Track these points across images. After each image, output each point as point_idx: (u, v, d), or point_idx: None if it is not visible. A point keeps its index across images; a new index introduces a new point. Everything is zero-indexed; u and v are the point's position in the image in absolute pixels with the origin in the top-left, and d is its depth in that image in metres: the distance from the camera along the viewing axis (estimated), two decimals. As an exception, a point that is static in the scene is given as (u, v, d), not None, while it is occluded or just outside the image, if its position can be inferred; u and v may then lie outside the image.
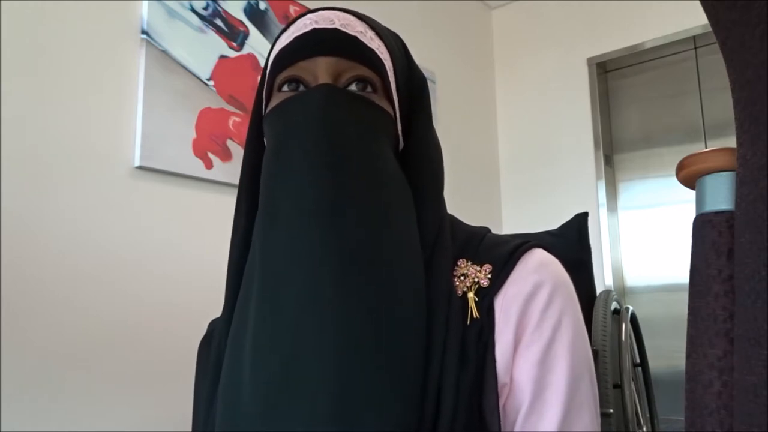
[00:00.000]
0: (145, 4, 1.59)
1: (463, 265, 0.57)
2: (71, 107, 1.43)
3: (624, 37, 2.75)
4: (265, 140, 0.62)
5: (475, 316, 0.54)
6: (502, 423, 0.52)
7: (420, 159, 0.60)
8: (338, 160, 0.53)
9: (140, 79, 1.56)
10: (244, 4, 1.85)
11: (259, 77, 0.61)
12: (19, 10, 1.35)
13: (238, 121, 1.77)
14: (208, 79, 1.71)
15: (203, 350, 0.68)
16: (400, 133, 0.61)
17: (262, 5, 1.91)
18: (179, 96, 1.63)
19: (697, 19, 2.49)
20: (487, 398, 0.52)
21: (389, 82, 0.59)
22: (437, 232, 0.57)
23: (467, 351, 0.52)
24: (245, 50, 1.83)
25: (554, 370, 0.53)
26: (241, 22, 1.84)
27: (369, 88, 0.57)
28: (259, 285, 0.53)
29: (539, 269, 0.56)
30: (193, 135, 1.65)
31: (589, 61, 2.85)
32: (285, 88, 0.59)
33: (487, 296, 0.55)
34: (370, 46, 0.57)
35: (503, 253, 0.57)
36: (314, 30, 0.57)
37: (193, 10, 1.70)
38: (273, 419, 0.48)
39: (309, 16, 0.59)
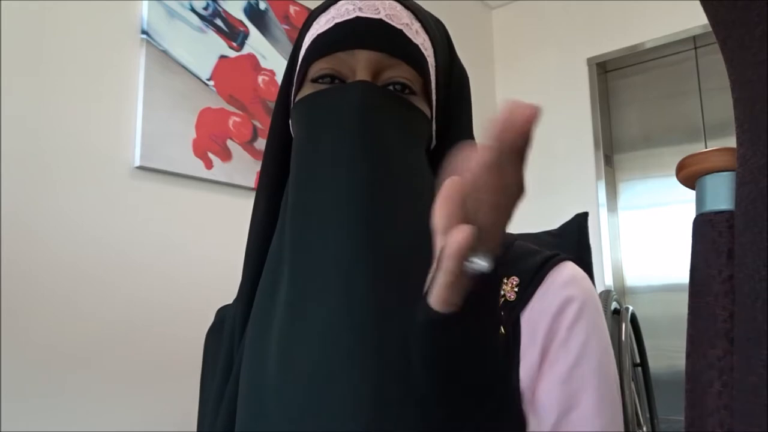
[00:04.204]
0: (145, 4, 1.59)
1: None
2: (71, 107, 1.43)
3: (624, 37, 2.75)
4: (292, 127, 0.59)
5: (500, 331, 0.51)
6: None
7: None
8: (375, 163, 0.50)
9: (140, 79, 1.56)
10: (244, 4, 1.85)
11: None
12: (20, 10, 1.35)
13: (238, 121, 1.77)
14: (208, 79, 1.71)
15: (212, 339, 0.65)
16: (434, 133, 0.58)
17: (262, 5, 1.91)
18: (179, 96, 1.63)
19: (697, 19, 2.49)
20: (507, 415, 0.49)
21: (430, 80, 0.55)
22: None
23: None
24: (245, 50, 1.83)
25: (582, 390, 0.50)
26: (241, 22, 1.84)
27: (408, 90, 0.54)
28: (288, 287, 0.50)
29: (568, 285, 0.53)
30: (193, 135, 1.65)
31: (589, 61, 2.85)
32: (320, 80, 0.55)
33: (513, 311, 0.52)
34: (414, 41, 0.54)
35: (531, 266, 0.54)
36: (357, 18, 0.52)
37: (193, 10, 1.70)
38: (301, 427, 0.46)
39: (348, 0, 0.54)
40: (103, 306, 1.43)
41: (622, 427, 0.53)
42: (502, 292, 0.53)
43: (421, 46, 0.54)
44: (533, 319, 0.52)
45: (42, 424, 1.29)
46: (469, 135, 0.60)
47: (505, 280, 0.54)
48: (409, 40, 0.53)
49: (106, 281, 1.44)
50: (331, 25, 0.53)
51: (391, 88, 0.54)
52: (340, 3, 0.54)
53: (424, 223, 0.49)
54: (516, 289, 0.53)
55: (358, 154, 0.50)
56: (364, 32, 0.52)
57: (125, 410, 1.43)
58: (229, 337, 0.59)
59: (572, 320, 0.52)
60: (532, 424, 0.50)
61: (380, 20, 0.52)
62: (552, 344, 0.51)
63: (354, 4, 0.53)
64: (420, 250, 0.46)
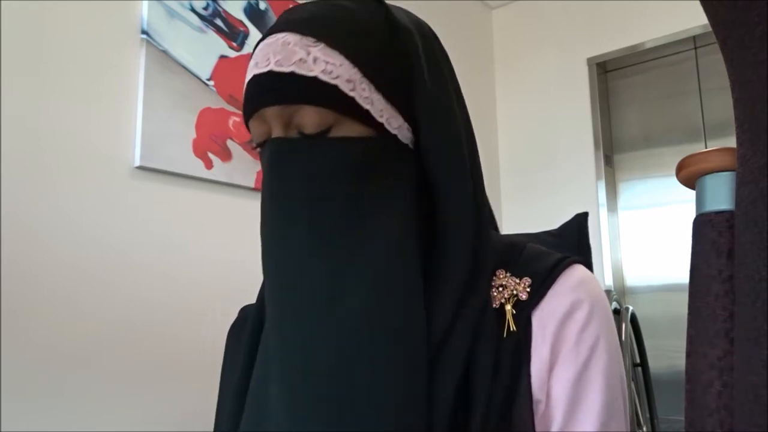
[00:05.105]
0: (145, 4, 1.59)
1: (501, 276, 0.56)
2: (71, 107, 1.43)
3: (624, 37, 2.75)
4: None
5: (512, 328, 0.53)
6: None
7: (436, 157, 0.54)
8: (295, 217, 0.52)
9: (140, 79, 1.56)
10: (244, 4, 1.85)
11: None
12: (20, 10, 1.35)
13: (238, 121, 1.77)
14: (208, 79, 1.71)
15: (233, 336, 0.67)
16: (408, 132, 0.55)
17: (262, 5, 1.91)
18: (179, 96, 1.63)
19: (697, 19, 2.49)
20: (517, 412, 0.51)
21: (350, 98, 0.51)
22: (474, 239, 0.54)
23: (501, 363, 0.52)
24: (245, 50, 1.83)
25: (589, 391, 0.52)
26: (241, 22, 1.84)
27: (324, 126, 0.51)
28: (267, 291, 0.55)
29: (578, 287, 0.55)
30: (193, 135, 1.65)
31: (589, 61, 2.85)
32: (251, 143, 0.56)
33: (525, 310, 0.54)
34: (310, 75, 0.50)
35: (544, 268, 0.55)
36: (254, 77, 0.52)
37: (193, 10, 1.70)
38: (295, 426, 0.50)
39: (256, 50, 0.54)
40: (103, 306, 1.43)
41: (628, 420, 0.55)
42: (515, 292, 0.55)
43: (320, 75, 0.50)
44: (544, 319, 0.53)
45: (42, 424, 1.29)
46: (445, 126, 0.56)
47: (518, 280, 0.55)
48: (302, 78, 0.50)
49: (106, 281, 1.44)
50: (245, 85, 0.54)
51: (308, 129, 0.51)
52: (254, 52, 0.54)
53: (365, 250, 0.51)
54: (528, 289, 0.54)
55: (279, 211, 0.52)
56: (261, 91, 0.52)
57: (125, 410, 1.43)
58: (249, 334, 0.61)
59: (582, 324, 0.53)
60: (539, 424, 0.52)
61: (269, 72, 0.51)
62: (563, 347, 0.53)
63: (255, 59, 0.53)
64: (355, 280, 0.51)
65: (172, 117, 1.60)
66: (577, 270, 0.56)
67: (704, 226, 0.44)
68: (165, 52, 1.61)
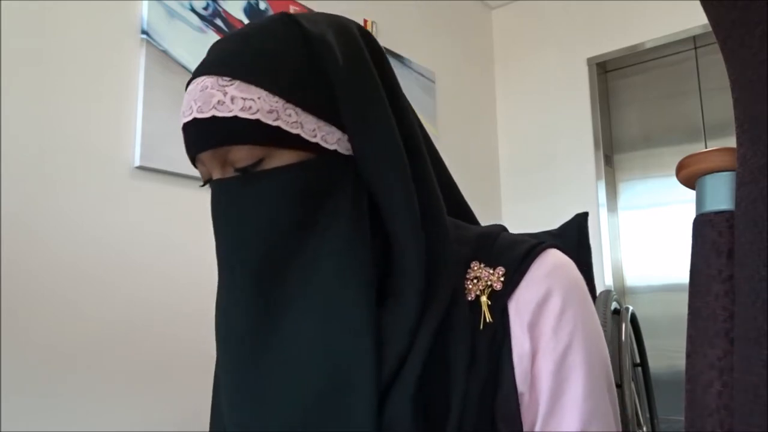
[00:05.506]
0: (145, 4, 1.59)
1: (476, 268, 0.56)
2: (71, 107, 1.43)
3: (624, 37, 2.75)
4: None
5: (488, 320, 0.53)
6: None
7: (370, 165, 0.53)
8: (232, 260, 0.56)
9: (140, 79, 1.56)
10: (244, 4, 1.85)
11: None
12: (20, 10, 1.35)
13: (238, 121, 1.77)
14: (208, 79, 1.71)
15: None
16: (348, 143, 0.54)
17: (262, 5, 1.91)
18: (179, 96, 1.62)
19: (697, 19, 2.49)
20: (500, 404, 0.51)
21: (280, 123, 0.51)
22: (410, 243, 0.52)
23: (477, 353, 0.51)
24: (245, 50, 1.83)
25: (570, 379, 0.52)
26: (241, 22, 1.84)
27: (256, 159, 0.52)
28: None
29: (551, 273, 0.54)
30: (193, 135, 1.65)
31: (589, 61, 2.85)
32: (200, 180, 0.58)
33: (500, 300, 0.53)
34: (229, 116, 0.50)
35: (516, 256, 0.55)
36: (184, 126, 0.53)
37: (193, 10, 1.70)
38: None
39: (184, 98, 0.54)
40: (102, 306, 1.43)
41: (610, 411, 0.54)
42: (489, 282, 0.54)
43: (241, 111, 0.50)
44: (520, 308, 0.53)
45: (42, 424, 1.29)
46: (374, 132, 0.54)
47: (492, 271, 0.55)
48: (222, 121, 0.50)
49: (106, 281, 1.44)
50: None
51: (242, 164, 0.52)
52: (183, 101, 0.55)
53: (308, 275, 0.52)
54: (502, 279, 0.54)
55: (222, 261, 0.57)
56: (191, 139, 0.53)
57: (125, 410, 1.43)
58: None
59: (559, 311, 0.53)
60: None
61: (194, 120, 0.52)
62: (541, 338, 0.53)
63: (182, 107, 0.54)
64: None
65: (172, 117, 1.60)
66: (550, 255, 0.56)
67: (704, 226, 0.44)
68: (165, 52, 1.61)
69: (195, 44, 1.69)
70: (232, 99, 0.50)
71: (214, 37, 1.74)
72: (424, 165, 0.56)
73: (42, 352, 1.32)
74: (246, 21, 1.85)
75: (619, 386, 0.86)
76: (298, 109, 0.52)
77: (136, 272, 1.50)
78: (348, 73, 0.53)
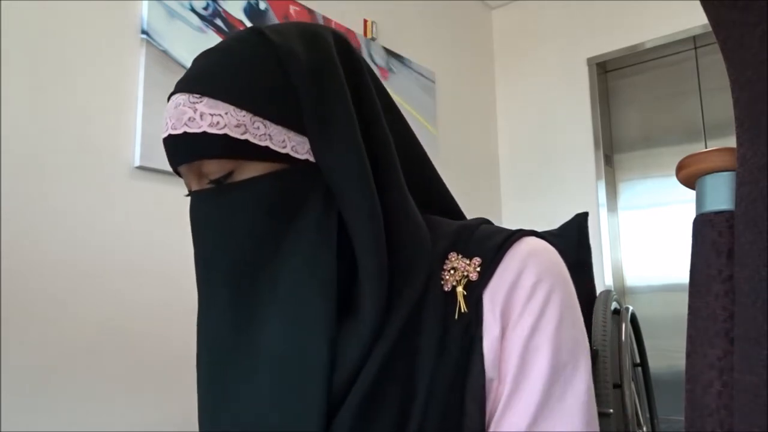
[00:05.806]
0: (145, 4, 1.59)
1: (453, 259, 0.56)
2: (71, 107, 1.43)
3: (624, 37, 2.75)
4: None
5: (463, 310, 0.53)
6: (487, 419, 0.51)
7: (334, 174, 0.54)
8: (208, 271, 0.56)
9: (140, 79, 1.56)
10: (244, 4, 1.85)
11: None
12: (20, 10, 1.35)
13: (238, 121, 1.77)
14: (208, 79, 1.71)
15: None
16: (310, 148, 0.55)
17: (262, 5, 1.91)
18: (179, 96, 1.63)
19: (697, 19, 2.49)
20: (470, 393, 0.51)
21: (248, 136, 0.53)
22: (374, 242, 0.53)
23: (447, 342, 0.52)
24: (245, 50, 1.83)
25: (533, 362, 0.52)
26: (241, 22, 1.84)
27: (226, 171, 0.54)
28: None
29: (526, 258, 0.55)
30: (193, 135, 1.65)
31: (589, 61, 2.85)
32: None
33: (476, 290, 0.54)
34: (199, 131, 0.52)
35: (493, 246, 0.55)
36: (163, 141, 0.56)
37: (193, 10, 1.70)
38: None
39: (164, 111, 0.56)
40: (102, 306, 1.43)
41: (588, 388, 0.53)
42: (465, 273, 0.55)
43: (209, 127, 0.52)
44: (493, 296, 0.54)
45: (42, 424, 1.29)
46: (336, 143, 0.55)
47: (468, 261, 0.56)
48: (195, 137, 0.53)
49: (106, 281, 1.44)
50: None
51: (213, 183, 0.55)
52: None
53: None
54: (478, 269, 0.55)
55: (199, 270, 0.57)
56: (169, 153, 0.56)
57: (125, 410, 1.43)
58: None
59: (528, 292, 0.53)
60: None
61: (169, 136, 0.54)
62: (510, 318, 0.53)
63: (163, 123, 0.56)
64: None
65: (172, 117, 1.60)
66: (526, 242, 0.56)
67: (704, 226, 0.44)
68: (165, 52, 1.61)
69: (195, 44, 1.69)
70: (201, 115, 0.53)
71: (214, 37, 1.74)
72: (389, 171, 0.57)
73: (42, 352, 1.32)
74: (246, 21, 1.85)
75: (619, 386, 0.86)
76: (267, 122, 0.53)
77: (135, 272, 1.50)
78: (311, 83, 0.54)
